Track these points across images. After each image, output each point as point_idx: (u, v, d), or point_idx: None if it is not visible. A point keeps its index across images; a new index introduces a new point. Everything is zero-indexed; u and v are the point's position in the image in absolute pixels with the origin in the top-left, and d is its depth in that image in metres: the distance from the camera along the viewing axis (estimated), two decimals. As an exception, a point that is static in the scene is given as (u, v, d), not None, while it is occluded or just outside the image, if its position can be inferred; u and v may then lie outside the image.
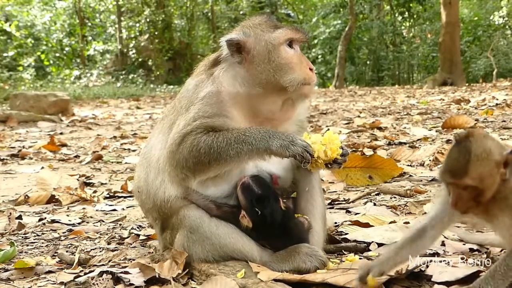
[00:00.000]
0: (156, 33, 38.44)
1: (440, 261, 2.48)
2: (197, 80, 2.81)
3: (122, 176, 6.31)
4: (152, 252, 3.16)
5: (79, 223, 4.16)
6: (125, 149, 8.86)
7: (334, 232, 3.32)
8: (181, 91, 2.91)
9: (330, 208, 4.16)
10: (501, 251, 2.71)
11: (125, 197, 5.15)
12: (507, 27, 41.82)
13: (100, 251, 3.34)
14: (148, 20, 38.03)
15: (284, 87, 2.66)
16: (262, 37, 2.72)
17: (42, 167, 6.93)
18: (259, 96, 2.70)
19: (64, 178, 5.70)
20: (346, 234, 3.24)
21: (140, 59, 38.41)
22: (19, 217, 4.26)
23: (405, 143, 7.52)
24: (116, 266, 2.93)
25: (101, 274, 2.63)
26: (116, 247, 3.44)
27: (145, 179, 2.86)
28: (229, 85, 2.72)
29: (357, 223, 3.43)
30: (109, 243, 3.56)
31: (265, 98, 2.71)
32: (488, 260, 2.42)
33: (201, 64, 2.94)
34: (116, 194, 5.25)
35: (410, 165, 5.72)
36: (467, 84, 27.65)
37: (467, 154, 2.04)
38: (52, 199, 4.99)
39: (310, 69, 2.71)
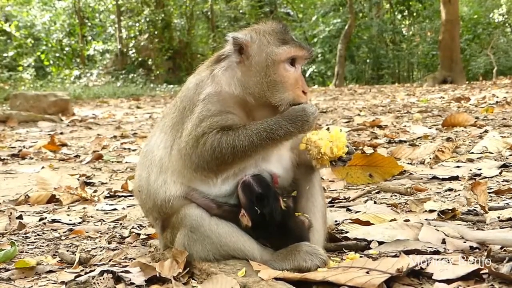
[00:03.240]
0: (156, 32, 38.41)
1: (441, 259, 2.48)
2: (197, 79, 2.79)
3: (122, 176, 6.32)
4: (153, 251, 3.15)
5: (79, 223, 4.16)
6: (125, 149, 8.86)
7: (334, 231, 3.32)
8: (182, 89, 2.89)
9: (331, 206, 4.16)
10: (501, 248, 2.71)
11: (125, 196, 5.15)
12: (506, 24, 41.80)
13: (101, 251, 3.34)
14: (147, 19, 38.01)
15: (274, 106, 2.66)
16: (265, 48, 2.68)
17: (43, 167, 6.94)
18: (253, 106, 2.70)
19: (65, 178, 5.69)
20: (347, 232, 3.24)
21: (139, 59, 38.38)
22: (20, 217, 4.26)
23: (405, 141, 7.53)
24: (116, 265, 2.93)
25: (101, 273, 2.63)
26: (116, 247, 3.44)
27: (146, 179, 2.84)
28: (226, 85, 2.71)
29: (357, 221, 3.43)
30: (109, 243, 3.56)
31: (257, 110, 2.71)
32: (488, 259, 2.42)
33: (205, 62, 2.93)
34: (116, 194, 5.25)
35: (410, 163, 5.72)
36: (467, 82, 27.66)
37: None
38: (52, 199, 5.00)
39: (304, 92, 2.69)
